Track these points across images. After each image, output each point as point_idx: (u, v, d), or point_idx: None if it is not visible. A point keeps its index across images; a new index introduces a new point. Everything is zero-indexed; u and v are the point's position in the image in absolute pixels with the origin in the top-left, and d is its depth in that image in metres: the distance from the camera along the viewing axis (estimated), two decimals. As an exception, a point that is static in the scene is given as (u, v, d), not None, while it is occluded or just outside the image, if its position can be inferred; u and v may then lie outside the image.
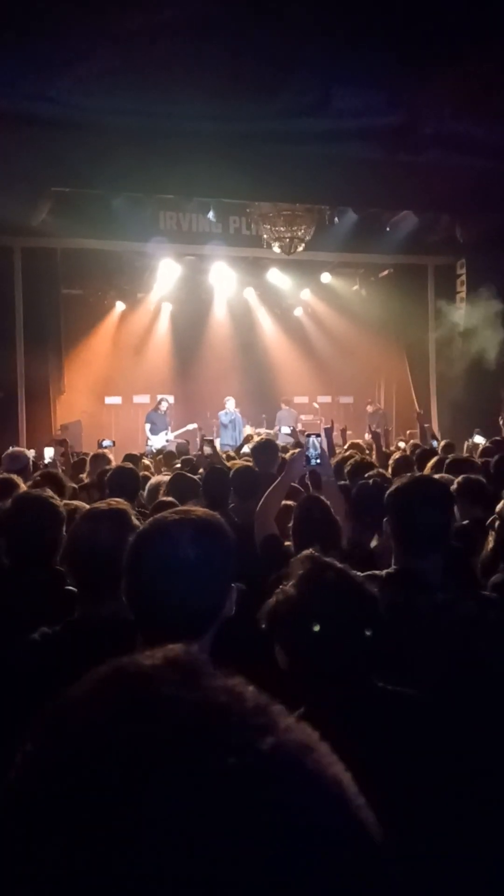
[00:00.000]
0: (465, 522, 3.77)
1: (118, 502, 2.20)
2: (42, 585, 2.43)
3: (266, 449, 5.31)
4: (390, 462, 5.86)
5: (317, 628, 1.58)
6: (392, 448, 8.50)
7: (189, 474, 5.39)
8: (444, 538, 2.36)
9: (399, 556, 2.36)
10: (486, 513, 4.02)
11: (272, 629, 1.70)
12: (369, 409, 15.07)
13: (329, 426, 6.11)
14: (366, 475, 4.64)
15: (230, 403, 14.23)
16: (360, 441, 8.35)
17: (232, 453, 8.85)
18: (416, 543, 2.30)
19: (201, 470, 5.82)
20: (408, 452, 6.95)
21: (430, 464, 5.42)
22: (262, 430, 13.20)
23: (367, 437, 8.25)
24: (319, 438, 3.58)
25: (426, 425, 10.65)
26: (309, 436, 3.62)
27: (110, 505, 2.16)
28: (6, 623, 2.16)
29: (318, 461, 3.53)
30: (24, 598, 2.40)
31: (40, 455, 7.34)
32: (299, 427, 12.72)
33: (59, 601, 2.16)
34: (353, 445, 7.36)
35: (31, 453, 6.01)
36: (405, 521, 2.35)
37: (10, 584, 2.55)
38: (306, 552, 1.78)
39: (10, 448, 6.76)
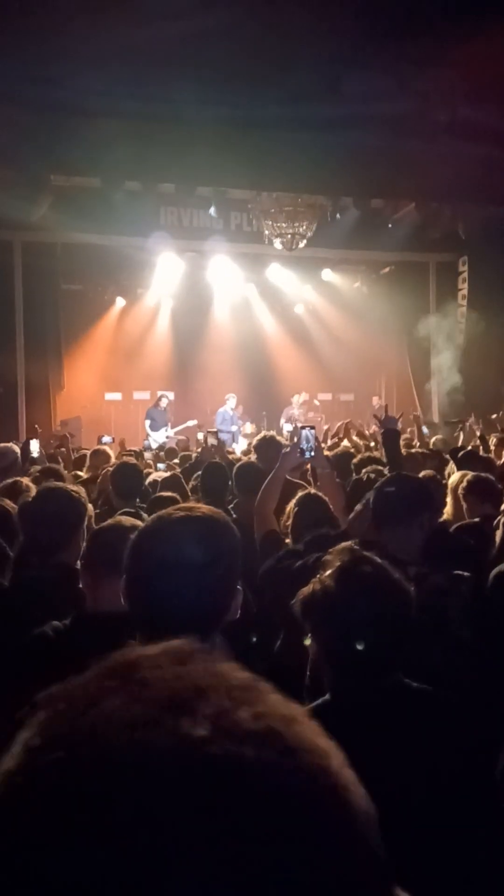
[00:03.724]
0: (476, 520, 3.72)
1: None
2: (54, 580, 2.39)
3: (270, 445, 5.24)
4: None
5: (360, 647, 1.62)
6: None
7: (178, 474, 5.35)
8: (399, 511, 2.64)
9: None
10: (497, 509, 3.99)
11: (306, 618, 1.73)
12: (376, 401, 14.97)
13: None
14: (363, 471, 4.61)
15: (231, 401, 14.14)
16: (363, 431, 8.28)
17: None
18: (376, 516, 2.67)
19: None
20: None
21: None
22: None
23: (373, 429, 8.16)
24: (313, 431, 3.56)
25: (416, 414, 10.60)
26: (303, 428, 3.61)
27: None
28: (18, 616, 2.14)
29: (312, 453, 3.52)
30: (38, 591, 2.38)
31: (47, 447, 7.24)
32: (299, 424, 12.65)
33: (69, 597, 2.12)
34: (357, 443, 7.30)
35: (34, 446, 5.89)
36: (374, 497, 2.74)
37: (25, 576, 2.53)
38: (345, 544, 1.81)
39: None
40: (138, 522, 2.09)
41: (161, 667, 0.48)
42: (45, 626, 1.91)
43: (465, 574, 2.51)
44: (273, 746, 0.43)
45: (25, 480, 4.33)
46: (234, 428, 13.74)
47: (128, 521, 2.25)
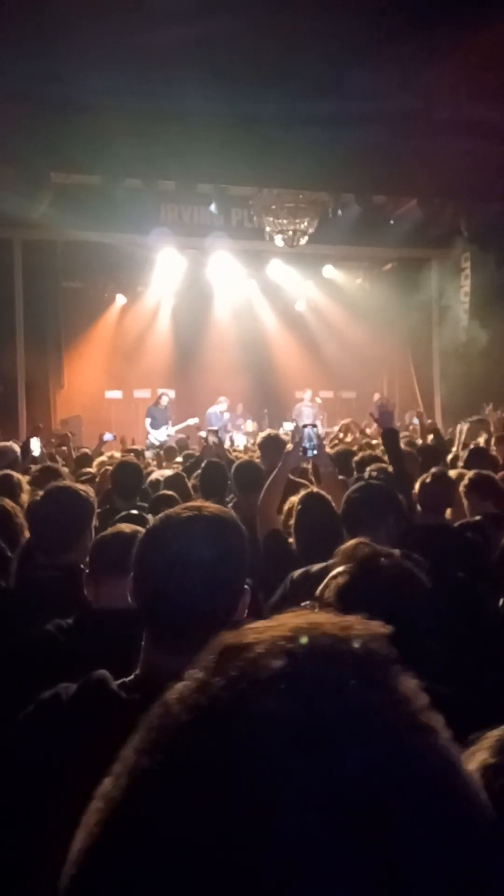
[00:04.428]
0: (478, 518, 3.69)
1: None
2: (59, 580, 2.40)
3: (274, 444, 5.22)
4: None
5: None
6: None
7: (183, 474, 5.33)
8: (365, 516, 2.78)
9: None
10: (498, 508, 3.96)
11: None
12: (377, 397, 14.85)
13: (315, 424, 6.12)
14: (367, 469, 4.60)
15: (222, 404, 14.12)
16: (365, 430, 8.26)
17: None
18: (345, 521, 2.85)
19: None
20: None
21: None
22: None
23: (374, 428, 8.13)
24: (315, 429, 3.55)
25: (419, 411, 10.56)
26: (305, 427, 3.59)
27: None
28: (20, 616, 2.14)
29: (315, 452, 3.50)
30: (42, 591, 2.38)
31: (48, 445, 7.21)
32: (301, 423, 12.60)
33: (74, 598, 2.12)
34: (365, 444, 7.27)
35: (34, 444, 5.88)
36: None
37: (29, 577, 2.52)
38: (358, 539, 1.76)
39: None
40: (140, 529, 2.09)
41: (343, 674, 0.44)
42: (49, 624, 1.91)
43: (420, 558, 2.59)
44: (420, 799, 0.40)
45: (17, 475, 4.30)
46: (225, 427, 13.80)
47: (128, 527, 2.26)
